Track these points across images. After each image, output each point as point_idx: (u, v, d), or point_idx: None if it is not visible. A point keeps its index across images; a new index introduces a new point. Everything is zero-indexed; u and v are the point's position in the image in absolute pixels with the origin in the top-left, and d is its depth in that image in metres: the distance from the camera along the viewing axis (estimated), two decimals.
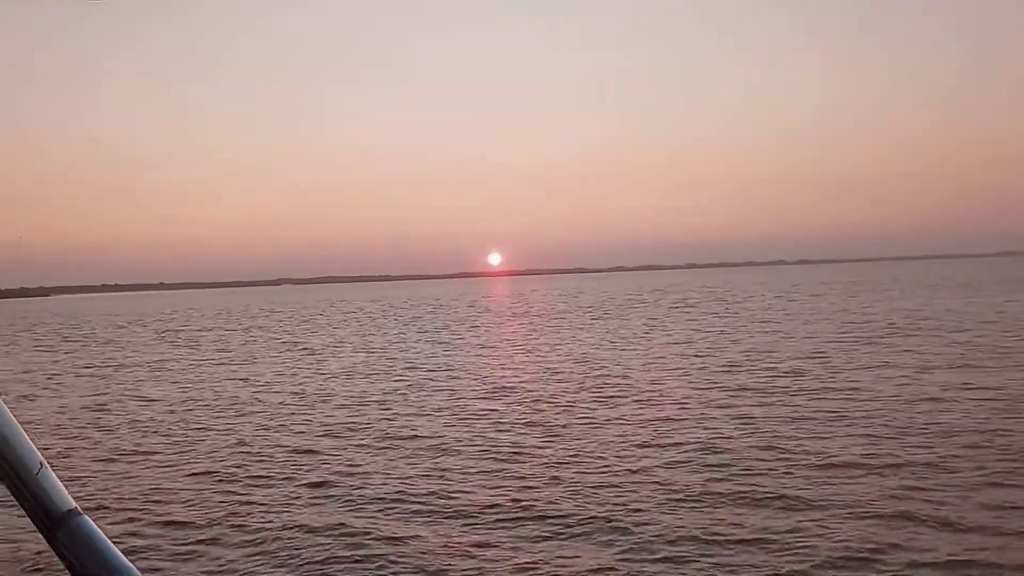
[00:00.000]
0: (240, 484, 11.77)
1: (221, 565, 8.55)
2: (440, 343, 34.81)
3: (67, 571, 0.80)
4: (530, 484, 10.99)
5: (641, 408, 16.34)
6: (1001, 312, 36.99)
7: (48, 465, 0.82)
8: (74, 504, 0.82)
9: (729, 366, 22.21)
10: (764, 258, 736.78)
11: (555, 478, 11.22)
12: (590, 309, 58.63)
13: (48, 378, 27.57)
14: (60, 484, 0.83)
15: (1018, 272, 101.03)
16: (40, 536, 0.81)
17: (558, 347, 30.56)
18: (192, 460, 13.50)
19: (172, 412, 18.73)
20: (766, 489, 10.17)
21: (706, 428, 13.99)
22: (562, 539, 8.87)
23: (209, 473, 12.50)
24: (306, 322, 57.96)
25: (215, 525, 9.81)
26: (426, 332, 42.01)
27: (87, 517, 0.81)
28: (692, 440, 13.08)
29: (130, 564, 0.80)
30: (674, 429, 14.05)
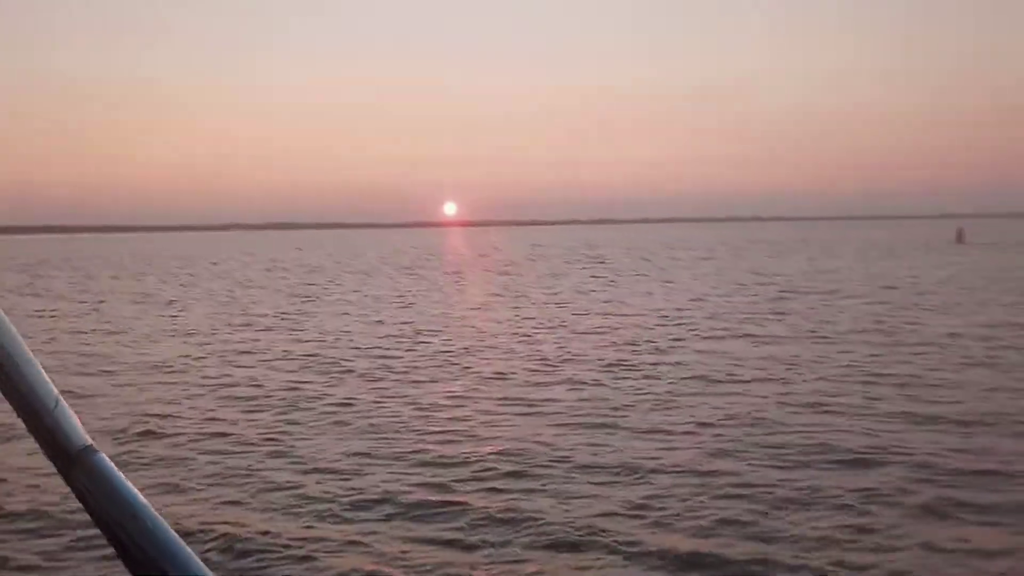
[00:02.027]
0: None
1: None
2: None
3: (83, 508, 0.76)
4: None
5: None
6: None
7: (64, 401, 0.77)
8: (90, 441, 0.77)
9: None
10: (726, 214, 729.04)
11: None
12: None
13: None
14: (76, 420, 0.77)
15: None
16: (56, 473, 0.76)
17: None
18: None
19: None
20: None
21: None
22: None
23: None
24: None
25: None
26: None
27: (103, 455, 0.76)
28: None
29: (146, 502, 0.75)
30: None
